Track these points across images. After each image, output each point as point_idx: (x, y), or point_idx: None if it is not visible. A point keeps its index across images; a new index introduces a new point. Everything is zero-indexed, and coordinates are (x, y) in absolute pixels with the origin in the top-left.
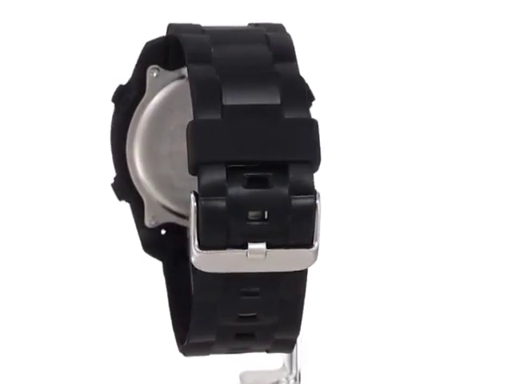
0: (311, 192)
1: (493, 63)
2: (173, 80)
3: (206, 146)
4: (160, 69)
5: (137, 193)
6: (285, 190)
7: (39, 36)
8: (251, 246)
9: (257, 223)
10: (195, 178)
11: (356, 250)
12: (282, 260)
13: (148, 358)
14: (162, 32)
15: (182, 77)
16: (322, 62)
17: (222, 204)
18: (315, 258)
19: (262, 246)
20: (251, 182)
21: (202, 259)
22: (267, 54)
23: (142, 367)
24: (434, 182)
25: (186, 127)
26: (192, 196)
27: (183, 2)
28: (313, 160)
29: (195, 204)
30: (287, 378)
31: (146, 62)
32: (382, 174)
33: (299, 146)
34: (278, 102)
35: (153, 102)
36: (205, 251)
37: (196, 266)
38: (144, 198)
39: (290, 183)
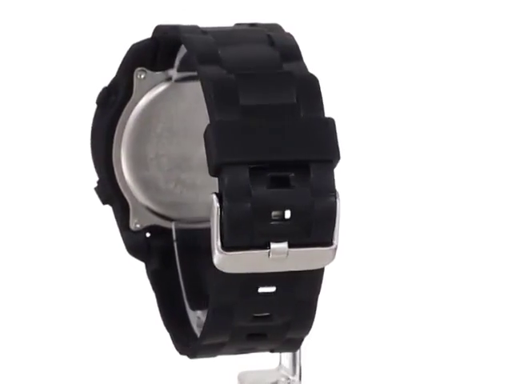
0: (333, 191)
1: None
2: (160, 82)
3: (228, 147)
4: (147, 71)
5: (122, 196)
6: (307, 190)
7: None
8: (273, 245)
9: (279, 223)
10: (181, 180)
11: (356, 249)
12: (302, 259)
13: (146, 359)
14: (143, 32)
15: (169, 78)
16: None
17: (247, 205)
18: (334, 257)
19: (284, 245)
20: (274, 182)
21: (225, 260)
22: (274, 54)
23: (139, 368)
24: (434, 181)
25: (172, 129)
26: (214, 197)
27: (169, 3)
28: (333, 159)
29: (218, 205)
30: (288, 378)
31: (133, 63)
32: (382, 173)
33: (319, 145)
34: (294, 101)
35: (140, 105)
36: (228, 252)
37: (218, 267)
38: (129, 200)
39: (311, 182)
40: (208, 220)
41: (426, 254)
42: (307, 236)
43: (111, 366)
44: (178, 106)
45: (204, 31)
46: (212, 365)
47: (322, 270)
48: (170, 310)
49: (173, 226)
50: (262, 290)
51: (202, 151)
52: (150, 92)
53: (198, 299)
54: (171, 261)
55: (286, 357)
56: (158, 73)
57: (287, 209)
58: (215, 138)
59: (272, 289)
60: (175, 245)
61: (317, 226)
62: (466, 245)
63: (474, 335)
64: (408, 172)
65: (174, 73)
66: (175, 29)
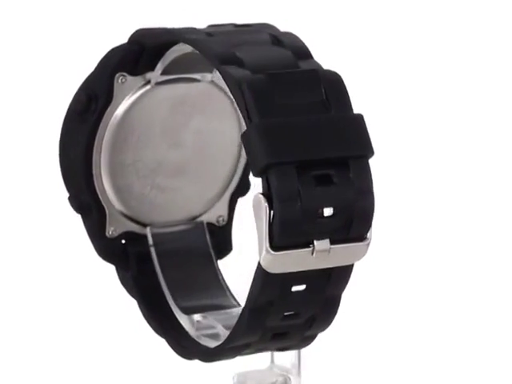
0: (371, 187)
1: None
2: (138, 86)
3: (273, 147)
4: (127, 75)
5: (100, 203)
6: (349, 187)
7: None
8: (317, 243)
9: (321, 220)
10: (156, 184)
11: None
12: (342, 255)
13: (143, 359)
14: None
15: (147, 82)
16: None
17: (297, 205)
18: (367, 251)
19: (327, 242)
20: (318, 181)
21: (274, 260)
22: (286, 53)
23: (137, 368)
24: (436, 179)
25: (148, 134)
26: (262, 197)
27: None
28: (368, 154)
29: (267, 204)
30: (287, 376)
31: (114, 68)
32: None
33: (354, 141)
34: (324, 98)
35: (119, 110)
36: (276, 252)
37: (265, 268)
38: (106, 208)
39: (352, 179)
40: (183, 223)
41: (426, 254)
42: (347, 232)
43: (108, 367)
44: (155, 110)
45: (208, 33)
46: (204, 365)
47: (352, 265)
48: (157, 316)
49: (148, 231)
50: (294, 288)
51: (176, 154)
52: (128, 97)
53: (190, 303)
54: (150, 266)
55: (286, 355)
56: (136, 77)
57: (333, 206)
58: (259, 139)
59: (303, 286)
60: (152, 250)
61: (358, 221)
62: (468, 242)
63: (474, 336)
64: (409, 171)
65: (153, 76)
66: (170, 33)
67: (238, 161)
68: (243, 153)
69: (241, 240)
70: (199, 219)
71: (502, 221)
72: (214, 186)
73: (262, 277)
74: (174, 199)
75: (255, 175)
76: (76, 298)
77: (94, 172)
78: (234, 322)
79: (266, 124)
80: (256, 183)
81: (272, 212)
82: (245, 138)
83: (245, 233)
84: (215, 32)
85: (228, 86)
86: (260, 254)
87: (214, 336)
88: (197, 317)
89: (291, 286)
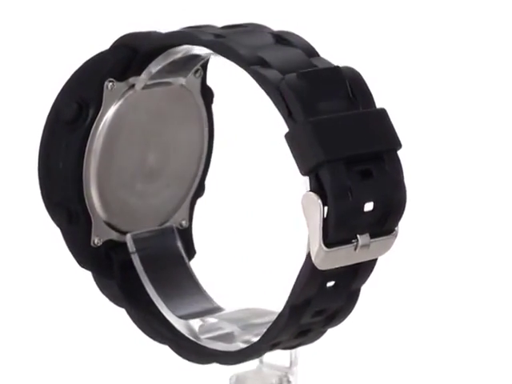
0: (403, 179)
1: None
2: (122, 92)
3: (323, 145)
4: (115, 81)
5: (87, 212)
6: (387, 180)
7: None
8: (360, 238)
9: (364, 215)
10: (136, 190)
11: None
12: (376, 248)
13: (140, 360)
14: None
15: (131, 86)
16: None
17: (349, 201)
18: (393, 244)
19: (367, 236)
20: (362, 176)
21: (326, 257)
22: (298, 51)
23: (134, 369)
24: (437, 178)
25: (132, 139)
26: (314, 195)
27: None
28: (397, 147)
29: (320, 201)
30: (287, 376)
31: (105, 75)
32: None
33: (385, 135)
34: (351, 95)
35: (107, 117)
36: (329, 249)
37: (317, 265)
38: (92, 216)
39: (389, 173)
40: (159, 227)
41: (425, 254)
42: (383, 225)
43: (104, 369)
44: (137, 115)
45: (217, 35)
46: (201, 367)
47: (376, 259)
48: (149, 322)
49: (128, 238)
50: (328, 284)
51: (151, 159)
52: (115, 103)
53: (183, 308)
54: (133, 273)
55: (284, 354)
56: (122, 82)
57: (374, 200)
58: (308, 138)
59: (333, 282)
60: (135, 257)
61: (393, 214)
62: (469, 243)
63: (472, 335)
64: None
65: (137, 81)
66: (172, 36)
67: (200, 164)
68: (204, 156)
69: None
70: (169, 223)
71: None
72: (182, 189)
73: (309, 274)
74: (150, 204)
75: (304, 174)
76: (72, 299)
77: (84, 180)
78: (246, 322)
79: (313, 123)
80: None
81: (326, 209)
82: (290, 137)
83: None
84: (223, 33)
85: (263, 86)
86: (312, 252)
87: (226, 337)
88: (197, 320)
89: (327, 283)
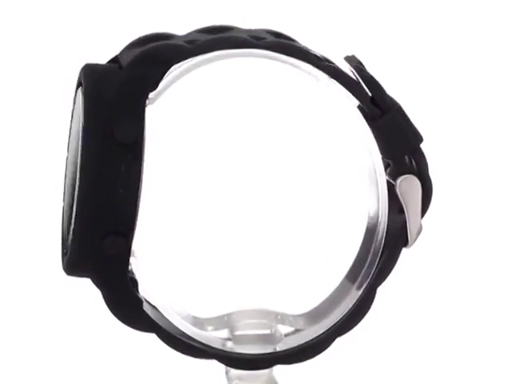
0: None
1: None
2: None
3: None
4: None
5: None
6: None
7: None
8: None
9: None
10: None
11: None
12: None
13: (137, 360)
14: None
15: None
16: None
17: None
18: None
19: None
20: None
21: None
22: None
23: (132, 369)
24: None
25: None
26: (414, 177)
27: None
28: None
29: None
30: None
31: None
32: None
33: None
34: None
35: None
36: None
37: (412, 244)
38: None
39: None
40: None
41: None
42: None
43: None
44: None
45: (258, 37)
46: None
47: None
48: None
49: None
50: None
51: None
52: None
53: None
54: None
55: None
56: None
57: None
58: (406, 122)
59: None
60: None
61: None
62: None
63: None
64: None
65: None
66: (214, 43)
67: None
68: None
69: None
70: None
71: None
72: None
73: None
74: None
75: (409, 154)
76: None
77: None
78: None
79: (400, 107)
80: None
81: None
82: (385, 123)
83: None
84: (258, 37)
85: (343, 79)
86: (411, 234)
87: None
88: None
89: None
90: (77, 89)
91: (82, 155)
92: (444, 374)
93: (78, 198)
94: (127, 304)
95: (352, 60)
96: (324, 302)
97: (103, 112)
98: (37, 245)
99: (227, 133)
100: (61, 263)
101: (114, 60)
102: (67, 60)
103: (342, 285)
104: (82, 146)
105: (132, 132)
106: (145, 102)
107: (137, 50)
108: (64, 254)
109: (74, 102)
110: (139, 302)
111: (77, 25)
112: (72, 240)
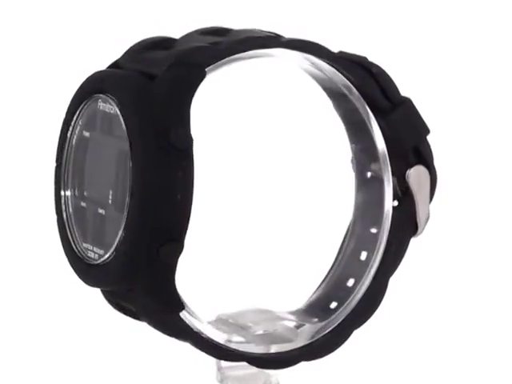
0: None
1: None
2: None
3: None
4: None
5: None
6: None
7: None
8: None
9: None
10: None
11: None
12: None
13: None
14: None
15: None
16: None
17: None
18: None
19: None
20: None
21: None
22: None
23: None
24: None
25: None
26: (423, 167)
27: None
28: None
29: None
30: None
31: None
32: None
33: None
34: None
35: None
36: None
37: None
38: None
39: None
40: None
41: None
42: None
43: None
44: None
45: (272, 36)
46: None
47: None
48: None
49: None
50: None
51: None
52: None
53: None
54: None
55: None
56: None
57: None
58: (416, 113)
59: None
60: None
61: None
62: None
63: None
64: None
65: None
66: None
67: None
68: None
69: None
70: None
71: None
72: None
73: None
74: None
75: (418, 144)
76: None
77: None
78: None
79: (411, 101)
80: None
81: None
82: (398, 116)
83: None
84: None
85: (352, 75)
86: (423, 221)
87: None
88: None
89: None
90: (88, 98)
91: (136, 163)
92: (444, 374)
93: (134, 205)
94: (172, 311)
95: (360, 56)
96: None
97: (155, 120)
98: (37, 244)
99: (248, 133)
100: (79, 273)
101: (115, 65)
102: (67, 61)
103: None
104: (137, 155)
105: (186, 137)
106: (190, 107)
107: (161, 56)
108: (96, 266)
109: (80, 112)
110: (182, 309)
111: (74, 28)
112: (125, 250)
